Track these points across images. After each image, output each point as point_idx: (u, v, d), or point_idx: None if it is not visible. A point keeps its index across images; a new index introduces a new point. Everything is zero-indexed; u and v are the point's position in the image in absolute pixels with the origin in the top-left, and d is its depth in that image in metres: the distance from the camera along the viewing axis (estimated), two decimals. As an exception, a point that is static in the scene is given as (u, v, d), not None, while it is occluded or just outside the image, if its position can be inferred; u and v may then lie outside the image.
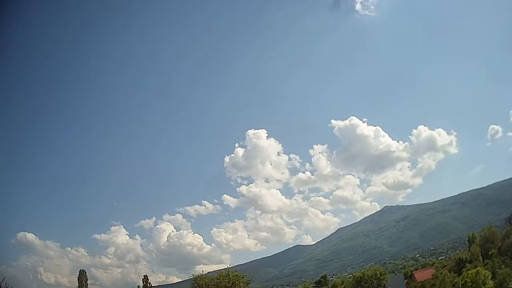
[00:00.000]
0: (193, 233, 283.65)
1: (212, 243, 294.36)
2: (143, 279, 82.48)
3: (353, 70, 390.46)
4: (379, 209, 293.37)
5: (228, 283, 46.18)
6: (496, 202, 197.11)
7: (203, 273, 49.90)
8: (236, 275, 47.79)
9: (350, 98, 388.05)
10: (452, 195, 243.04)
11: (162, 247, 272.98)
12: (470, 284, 55.46)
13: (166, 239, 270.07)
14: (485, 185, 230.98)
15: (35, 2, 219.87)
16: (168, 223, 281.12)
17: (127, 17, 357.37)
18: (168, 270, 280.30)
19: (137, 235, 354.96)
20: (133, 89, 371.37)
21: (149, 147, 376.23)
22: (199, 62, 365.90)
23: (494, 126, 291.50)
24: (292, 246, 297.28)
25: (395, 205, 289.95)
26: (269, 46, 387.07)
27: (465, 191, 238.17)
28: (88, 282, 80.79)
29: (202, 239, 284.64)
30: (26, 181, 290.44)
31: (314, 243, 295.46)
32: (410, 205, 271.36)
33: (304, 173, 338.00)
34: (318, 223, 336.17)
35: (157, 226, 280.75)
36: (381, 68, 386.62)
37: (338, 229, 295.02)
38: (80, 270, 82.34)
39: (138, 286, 79.66)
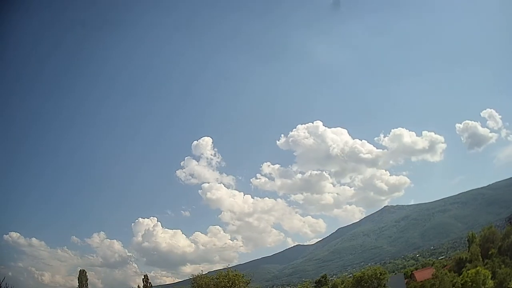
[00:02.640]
0: (172, 235, 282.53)
1: (193, 244, 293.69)
2: (143, 278, 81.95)
3: (316, 75, 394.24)
4: (378, 210, 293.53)
5: (228, 282, 46.16)
6: (496, 202, 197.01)
7: (203, 273, 49.93)
8: (236, 274, 47.79)
9: (314, 103, 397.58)
10: (452, 194, 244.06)
11: (146, 248, 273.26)
12: (470, 283, 55.53)
13: (149, 241, 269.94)
14: (485, 185, 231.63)
15: (36, 2, 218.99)
16: (151, 223, 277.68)
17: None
18: (157, 270, 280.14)
19: (121, 237, 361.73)
20: (123, 97, 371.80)
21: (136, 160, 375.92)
22: (157, 71, 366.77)
23: (459, 125, 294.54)
24: (292, 246, 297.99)
25: (395, 204, 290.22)
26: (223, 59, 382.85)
27: (465, 190, 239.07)
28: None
29: (182, 240, 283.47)
30: (12, 182, 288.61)
31: (314, 242, 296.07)
32: (410, 205, 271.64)
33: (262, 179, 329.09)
34: (300, 226, 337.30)
35: (137, 228, 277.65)
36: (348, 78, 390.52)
37: (338, 229, 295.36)
38: (80, 270, 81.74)
39: (138, 286, 79.59)
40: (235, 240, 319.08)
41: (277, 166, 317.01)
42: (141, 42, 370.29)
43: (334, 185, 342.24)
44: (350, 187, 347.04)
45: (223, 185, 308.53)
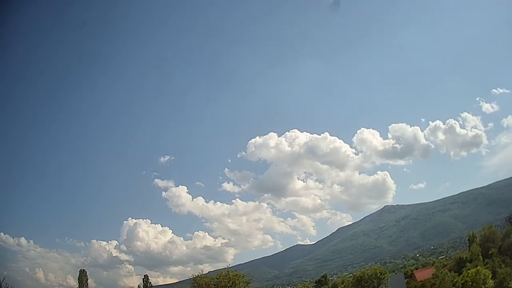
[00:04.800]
0: (160, 236, 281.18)
1: (181, 245, 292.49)
2: (143, 279, 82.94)
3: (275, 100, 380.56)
4: (379, 209, 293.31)
5: (228, 282, 46.18)
6: (497, 201, 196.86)
7: (203, 273, 49.99)
8: (236, 274, 47.84)
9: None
10: (452, 194, 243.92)
11: (134, 249, 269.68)
12: (470, 283, 55.52)
13: (137, 242, 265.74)
14: (486, 184, 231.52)
15: (36, 2, 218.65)
16: (138, 224, 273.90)
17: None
18: (146, 271, 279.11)
19: (110, 237, 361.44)
20: (121, 100, 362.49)
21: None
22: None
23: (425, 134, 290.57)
24: (292, 245, 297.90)
25: (395, 204, 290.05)
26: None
27: (465, 190, 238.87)
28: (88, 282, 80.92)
29: (170, 241, 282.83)
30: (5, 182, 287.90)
31: (314, 242, 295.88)
32: (411, 205, 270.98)
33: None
34: (282, 227, 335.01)
35: (125, 230, 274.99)
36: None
37: (338, 229, 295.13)
38: (81, 270, 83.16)
39: (138, 286, 80.00)
40: (217, 240, 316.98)
41: (243, 172, 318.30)
42: (140, 46, 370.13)
43: (310, 188, 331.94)
44: (327, 191, 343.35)
45: (190, 191, 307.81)
